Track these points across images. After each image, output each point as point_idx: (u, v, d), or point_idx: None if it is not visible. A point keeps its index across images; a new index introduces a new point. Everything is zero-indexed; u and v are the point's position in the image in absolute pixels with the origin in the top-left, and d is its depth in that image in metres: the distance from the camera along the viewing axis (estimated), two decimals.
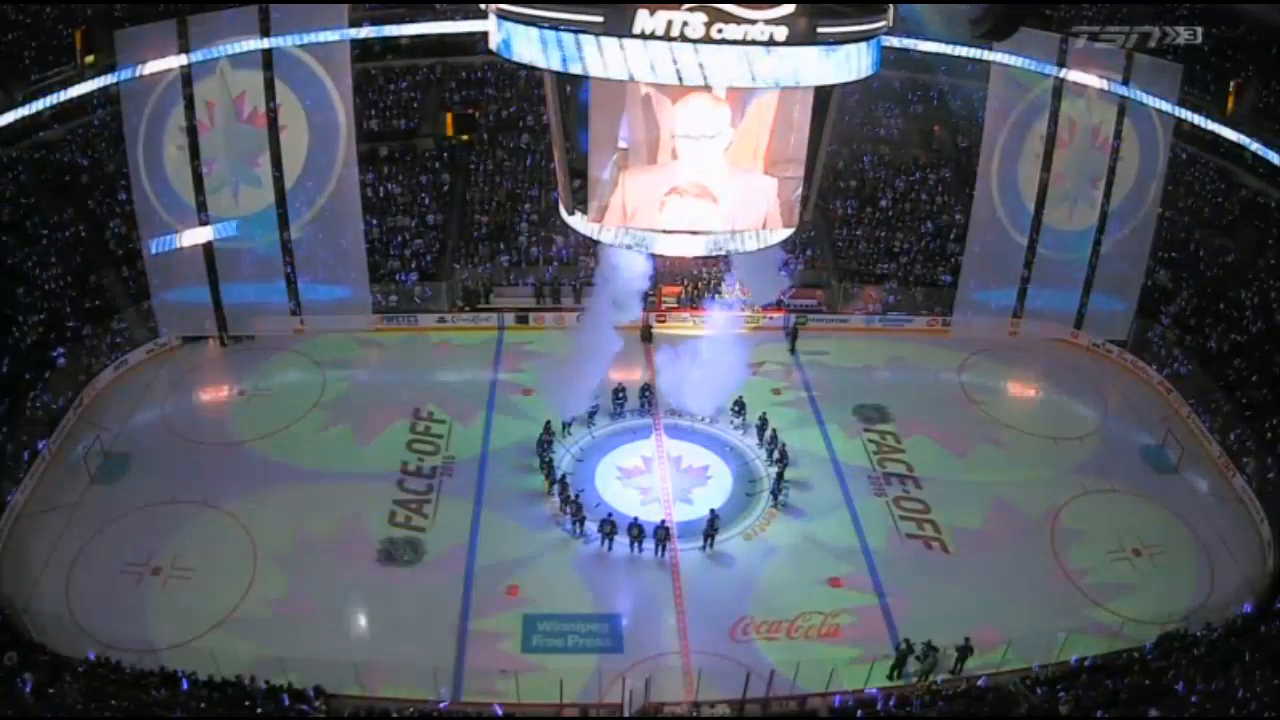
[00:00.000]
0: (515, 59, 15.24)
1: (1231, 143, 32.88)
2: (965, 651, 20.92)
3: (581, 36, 14.29)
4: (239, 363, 30.73)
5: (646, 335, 31.61)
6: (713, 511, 24.42)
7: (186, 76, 27.95)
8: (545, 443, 26.59)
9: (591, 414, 28.17)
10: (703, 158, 16.69)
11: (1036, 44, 30.12)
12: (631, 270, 26.91)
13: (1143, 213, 31.50)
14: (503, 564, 23.63)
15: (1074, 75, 30.37)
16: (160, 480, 25.50)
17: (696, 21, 14.01)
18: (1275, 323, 30.19)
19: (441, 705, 19.47)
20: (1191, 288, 33.03)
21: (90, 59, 28.95)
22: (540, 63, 15.08)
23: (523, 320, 32.90)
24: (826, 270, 34.47)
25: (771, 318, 32.91)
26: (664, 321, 32.64)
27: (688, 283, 33.14)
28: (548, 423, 26.94)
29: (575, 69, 14.84)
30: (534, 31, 14.67)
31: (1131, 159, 31.13)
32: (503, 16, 15.32)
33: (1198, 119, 32.00)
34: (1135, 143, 31.01)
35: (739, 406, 28.41)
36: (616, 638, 21.92)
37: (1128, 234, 31.67)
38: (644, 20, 14.08)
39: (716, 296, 32.56)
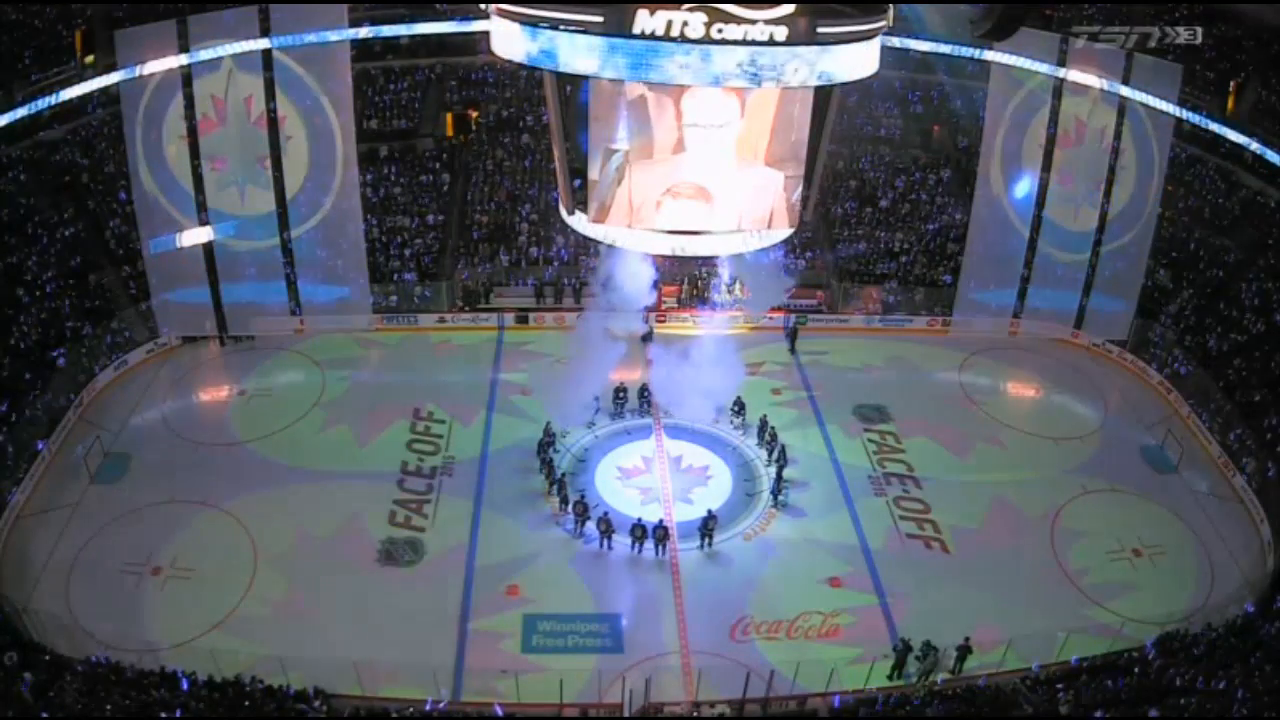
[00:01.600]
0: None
1: (1231, 143, 32.85)
2: (965, 651, 20.92)
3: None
4: (239, 363, 30.72)
5: (647, 335, 31.58)
6: (710, 512, 24.39)
7: (187, 76, 27.97)
8: (545, 444, 26.60)
9: (593, 415, 28.13)
10: (712, 148, 16.66)
11: (1036, 44, 30.10)
12: (634, 282, 26.85)
13: (1144, 213, 31.50)
14: (503, 564, 23.63)
15: (1074, 75, 30.37)
16: (160, 480, 25.50)
17: (696, 21, 14.02)
18: (1275, 323, 30.16)
19: (441, 705, 19.44)
20: (1191, 288, 33.02)
21: (90, 59, 28.94)
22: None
23: (523, 320, 32.90)
24: (826, 270, 34.47)
25: (771, 318, 32.88)
26: (664, 322, 32.64)
27: (685, 283, 33.15)
28: (548, 424, 26.95)
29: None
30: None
31: (1132, 160, 31.11)
32: (504, 16, 15.32)
33: (1198, 119, 31.99)
34: (1136, 143, 31.00)
35: (739, 406, 28.41)
36: (616, 638, 21.91)
37: (1129, 234, 31.67)
38: (644, 20, 14.08)
39: (714, 298, 32.54)
